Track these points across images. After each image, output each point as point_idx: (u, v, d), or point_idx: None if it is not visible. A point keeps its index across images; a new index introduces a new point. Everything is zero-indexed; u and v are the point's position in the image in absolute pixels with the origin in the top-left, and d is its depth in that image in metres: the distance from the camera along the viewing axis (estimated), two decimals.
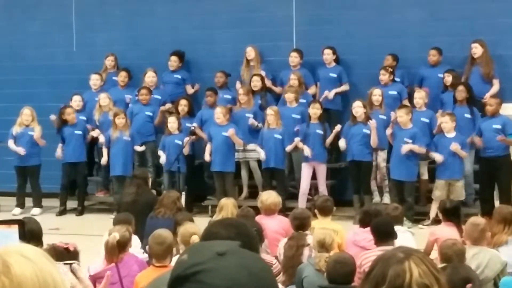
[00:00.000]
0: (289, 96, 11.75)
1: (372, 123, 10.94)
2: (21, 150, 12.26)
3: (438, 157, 10.65)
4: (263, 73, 12.43)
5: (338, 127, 11.30)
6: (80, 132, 12.41)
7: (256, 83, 12.17)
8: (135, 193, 9.08)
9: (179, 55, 13.00)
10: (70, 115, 12.34)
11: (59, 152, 12.36)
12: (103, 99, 12.51)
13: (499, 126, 10.64)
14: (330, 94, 12.13)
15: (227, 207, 7.71)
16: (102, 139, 12.31)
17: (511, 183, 10.74)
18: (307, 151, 11.21)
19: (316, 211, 7.75)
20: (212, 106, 12.11)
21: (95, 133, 12.54)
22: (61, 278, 1.69)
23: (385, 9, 12.45)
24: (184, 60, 13.12)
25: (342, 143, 11.19)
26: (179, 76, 13.03)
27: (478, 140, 10.70)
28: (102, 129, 12.46)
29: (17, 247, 1.71)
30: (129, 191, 9.29)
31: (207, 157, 11.77)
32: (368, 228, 6.52)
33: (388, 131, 11.04)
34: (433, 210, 10.53)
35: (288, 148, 11.47)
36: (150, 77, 12.76)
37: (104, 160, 12.15)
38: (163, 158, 11.87)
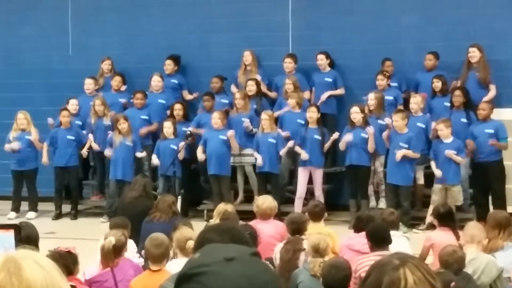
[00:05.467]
0: (292, 102, 11.73)
1: (370, 129, 10.96)
2: (16, 145, 12.10)
3: (437, 172, 10.64)
4: (258, 77, 12.44)
5: (336, 135, 11.28)
6: (72, 138, 12.30)
7: (251, 88, 12.16)
8: (135, 197, 8.95)
9: (174, 59, 12.97)
10: (64, 118, 12.26)
11: (45, 157, 12.22)
12: (98, 105, 12.39)
13: (491, 131, 10.66)
14: (324, 96, 12.12)
15: None
16: (108, 152, 12.06)
17: (505, 188, 10.76)
18: (304, 155, 11.21)
19: (307, 215, 7.78)
20: (210, 111, 12.09)
21: (84, 152, 12.41)
22: None
23: (381, 15, 12.47)
24: (179, 64, 13.10)
25: (342, 144, 11.13)
26: (175, 81, 13.00)
27: (471, 143, 10.69)
28: (96, 133, 12.39)
29: (32, 253, 1.72)
30: (130, 195, 9.09)
31: (199, 156, 11.69)
32: (362, 233, 6.53)
33: (385, 134, 11.05)
34: (429, 215, 10.52)
35: (282, 151, 11.46)
36: (155, 81, 12.69)
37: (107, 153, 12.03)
38: (156, 162, 11.83)
